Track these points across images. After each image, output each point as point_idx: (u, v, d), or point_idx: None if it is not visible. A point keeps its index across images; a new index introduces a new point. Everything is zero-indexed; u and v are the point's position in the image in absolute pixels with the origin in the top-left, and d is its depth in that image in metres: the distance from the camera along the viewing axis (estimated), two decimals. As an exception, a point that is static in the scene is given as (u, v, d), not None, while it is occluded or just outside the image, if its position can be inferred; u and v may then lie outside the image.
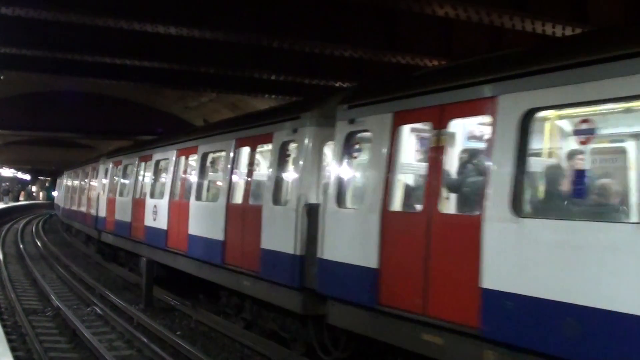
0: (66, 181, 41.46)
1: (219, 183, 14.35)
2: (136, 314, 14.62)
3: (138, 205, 19.22)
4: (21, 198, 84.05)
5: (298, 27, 19.10)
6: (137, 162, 20.35)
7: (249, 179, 12.57)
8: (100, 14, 17.97)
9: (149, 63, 23.85)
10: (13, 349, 10.56)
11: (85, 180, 30.85)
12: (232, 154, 13.20)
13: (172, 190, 16.53)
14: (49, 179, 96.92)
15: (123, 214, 20.78)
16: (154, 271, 16.67)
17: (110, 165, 24.15)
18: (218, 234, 13.07)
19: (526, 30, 17.58)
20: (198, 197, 14.71)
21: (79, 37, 21.73)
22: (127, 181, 21.53)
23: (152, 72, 26.47)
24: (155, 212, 17.33)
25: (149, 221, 17.87)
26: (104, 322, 14.32)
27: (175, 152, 16.80)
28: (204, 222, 14.11)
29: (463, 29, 19.52)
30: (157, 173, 18.39)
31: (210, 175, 15.17)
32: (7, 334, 11.64)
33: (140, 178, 19.90)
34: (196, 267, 14.60)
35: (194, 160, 15.72)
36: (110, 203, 22.90)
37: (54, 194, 61.33)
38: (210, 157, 15.00)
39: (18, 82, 35.69)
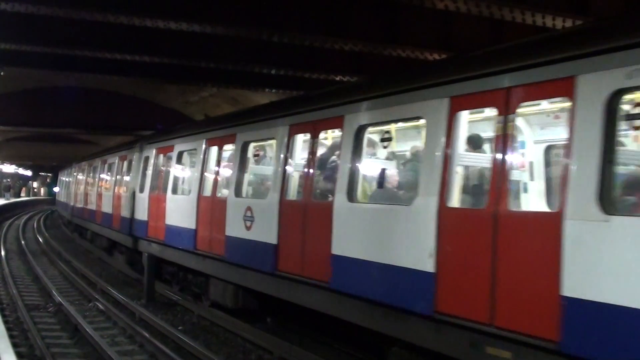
0: (77, 175, 34.38)
1: (408, 173, 9.38)
2: (138, 309, 14.64)
3: (211, 206, 13.64)
4: (22, 194, 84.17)
5: (298, 21, 19.10)
6: (204, 148, 14.40)
7: (503, 162, 7.08)
8: (100, 10, 17.96)
9: (149, 58, 23.83)
10: (15, 345, 10.58)
11: (110, 173, 24.45)
12: (443, 125, 7.78)
13: (286, 186, 11.06)
14: (50, 174, 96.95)
15: (181, 218, 15.04)
16: (239, 299, 13.04)
17: (154, 153, 17.98)
18: (419, 260, 7.81)
19: (526, 22, 17.57)
20: (352, 197, 9.32)
21: (78, 33, 21.72)
22: (186, 174, 16.22)
23: (152, 67, 26.46)
24: (250, 218, 11.89)
25: (234, 229, 12.37)
26: (105, 318, 14.33)
27: (287, 129, 11.17)
28: (374, 237, 8.71)
29: (463, 22, 19.52)
30: (244, 161, 12.77)
31: (376, 162, 10.01)
32: (9, 329, 11.69)
33: (213, 169, 14.06)
34: (354, 309, 9.20)
35: (333, 138, 10.87)
36: (156, 203, 17.02)
37: (55, 189, 61.35)
38: (371, 132, 9.71)
39: (18, 78, 35.66)
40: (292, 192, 11.15)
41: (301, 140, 11.23)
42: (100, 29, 21.22)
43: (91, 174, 28.95)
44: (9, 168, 78.78)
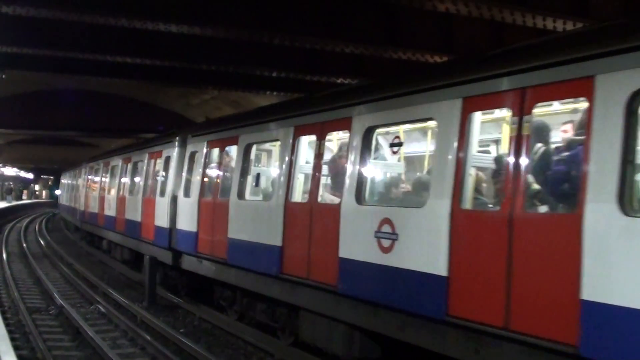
0: (89, 176, 29.94)
1: None
2: (139, 312, 14.63)
3: (309, 216, 9.94)
4: (24, 197, 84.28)
5: (299, 24, 19.13)
6: (291, 138, 10.79)
7: None
8: (101, 12, 18.00)
9: (150, 61, 23.86)
10: (16, 348, 10.58)
11: (136, 173, 20.61)
12: None
13: (461, 188, 7.40)
14: (51, 177, 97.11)
15: (255, 231, 11.49)
16: (356, 346, 9.42)
17: (205, 148, 14.31)
18: None
19: (527, 25, 17.60)
20: None
21: (80, 36, 21.77)
22: (262, 173, 12.88)
23: (154, 70, 26.48)
24: (389, 235, 8.19)
25: (357, 250, 8.74)
26: (107, 320, 14.33)
27: (458, 105, 7.54)
28: None
29: (463, 25, 19.54)
30: (367, 154, 9.11)
31: None
32: (10, 332, 11.70)
33: (309, 166, 10.63)
34: None
35: (570, 113, 7.25)
36: (212, 210, 13.39)
37: (57, 192, 61.45)
38: None
39: (20, 81, 35.71)
40: (468, 198, 7.46)
41: (481, 120, 7.69)
42: (101, 31, 21.25)
43: (109, 175, 24.77)
44: (10, 171, 78.87)
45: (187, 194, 15.10)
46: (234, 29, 19.34)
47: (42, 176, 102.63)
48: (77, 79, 33.95)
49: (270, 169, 12.58)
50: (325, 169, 10.33)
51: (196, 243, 14.04)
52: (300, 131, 10.70)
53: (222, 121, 14.88)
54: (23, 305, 15.20)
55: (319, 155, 10.14)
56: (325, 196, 10.29)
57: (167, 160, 16.87)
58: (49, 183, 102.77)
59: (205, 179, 14.19)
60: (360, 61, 23.65)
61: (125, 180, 21.96)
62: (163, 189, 16.78)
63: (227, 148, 13.63)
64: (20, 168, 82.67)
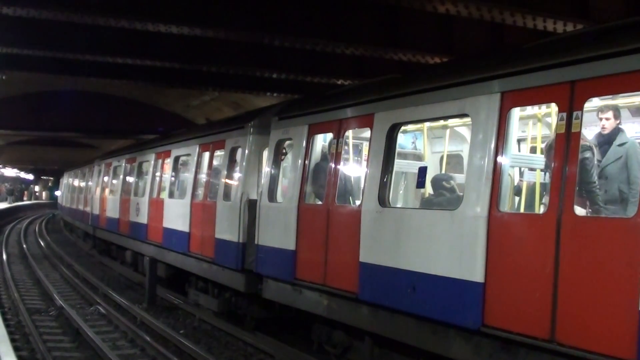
0: (105, 176, 25.92)
1: None
2: (139, 313, 14.64)
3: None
4: (25, 198, 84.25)
5: (299, 25, 19.12)
6: (492, 112, 6.92)
7: None
8: (102, 13, 17.97)
9: (151, 62, 23.85)
10: (16, 349, 10.59)
11: (177, 171, 17.18)
12: None
13: None
14: (51, 178, 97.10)
15: (410, 256, 8.01)
16: None
17: (304, 136, 10.73)
18: None
19: (527, 26, 17.57)
20: None
21: (80, 37, 21.74)
22: (425, 168, 9.09)
23: (154, 71, 26.47)
24: None
25: None
26: (107, 322, 14.35)
27: None
28: None
29: (464, 26, 19.52)
30: None
31: None
32: (10, 333, 11.71)
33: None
34: None
35: None
36: (323, 221, 9.83)
37: (57, 193, 61.40)
38: None
39: (20, 82, 35.72)
40: None
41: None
42: (102, 33, 21.23)
43: (135, 174, 20.97)
44: (10, 172, 78.85)
45: (272, 197, 11.52)
46: (235, 31, 19.33)
47: (42, 177, 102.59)
48: (77, 80, 33.92)
49: (446, 162, 9.22)
50: (590, 158, 6.53)
51: (293, 266, 10.44)
52: (514, 99, 6.76)
53: (336, 96, 10.62)
54: (23, 306, 15.21)
55: (569, 137, 6.04)
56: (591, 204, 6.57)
57: (233, 152, 13.45)
58: (49, 184, 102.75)
59: (308, 178, 10.51)
60: (361, 62, 23.65)
61: (162, 179, 18.26)
62: (228, 191, 13.43)
63: (347, 133, 9.92)
64: (20, 169, 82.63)
